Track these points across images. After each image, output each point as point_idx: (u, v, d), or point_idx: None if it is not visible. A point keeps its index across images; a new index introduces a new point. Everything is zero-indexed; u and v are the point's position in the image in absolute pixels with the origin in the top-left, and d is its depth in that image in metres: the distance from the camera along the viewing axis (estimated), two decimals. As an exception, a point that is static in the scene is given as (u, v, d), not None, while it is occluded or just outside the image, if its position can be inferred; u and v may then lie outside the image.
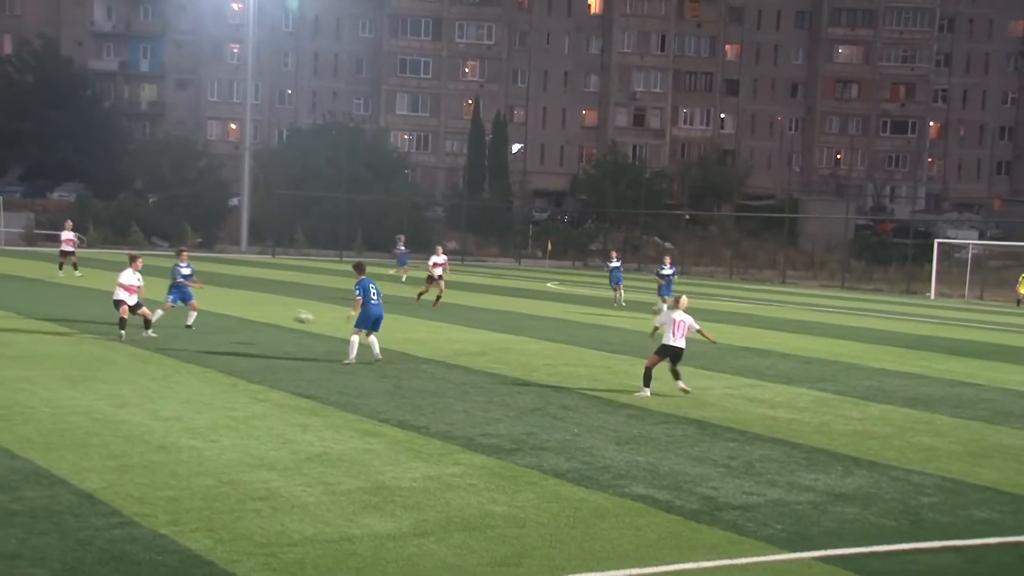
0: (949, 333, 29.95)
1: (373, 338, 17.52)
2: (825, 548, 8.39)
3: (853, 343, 25.49)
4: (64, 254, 34.14)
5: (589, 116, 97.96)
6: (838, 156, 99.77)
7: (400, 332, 22.54)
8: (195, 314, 21.15)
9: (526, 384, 16.14)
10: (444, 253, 31.45)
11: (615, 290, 32.81)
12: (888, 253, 67.02)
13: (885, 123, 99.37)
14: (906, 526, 9.19)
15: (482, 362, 18.27)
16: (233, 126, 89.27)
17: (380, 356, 17.49)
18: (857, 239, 73.03)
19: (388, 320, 24.79)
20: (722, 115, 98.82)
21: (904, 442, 12.99)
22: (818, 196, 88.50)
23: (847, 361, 21.50)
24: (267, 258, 59.53)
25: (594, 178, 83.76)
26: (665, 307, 27.92)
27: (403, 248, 43.88)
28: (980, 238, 70.07)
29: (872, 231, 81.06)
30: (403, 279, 40.12)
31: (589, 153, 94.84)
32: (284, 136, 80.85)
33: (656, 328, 15.81)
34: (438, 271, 29.98)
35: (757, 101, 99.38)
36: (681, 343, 15.30)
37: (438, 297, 29.40)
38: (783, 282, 60.08)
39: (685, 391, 15.60)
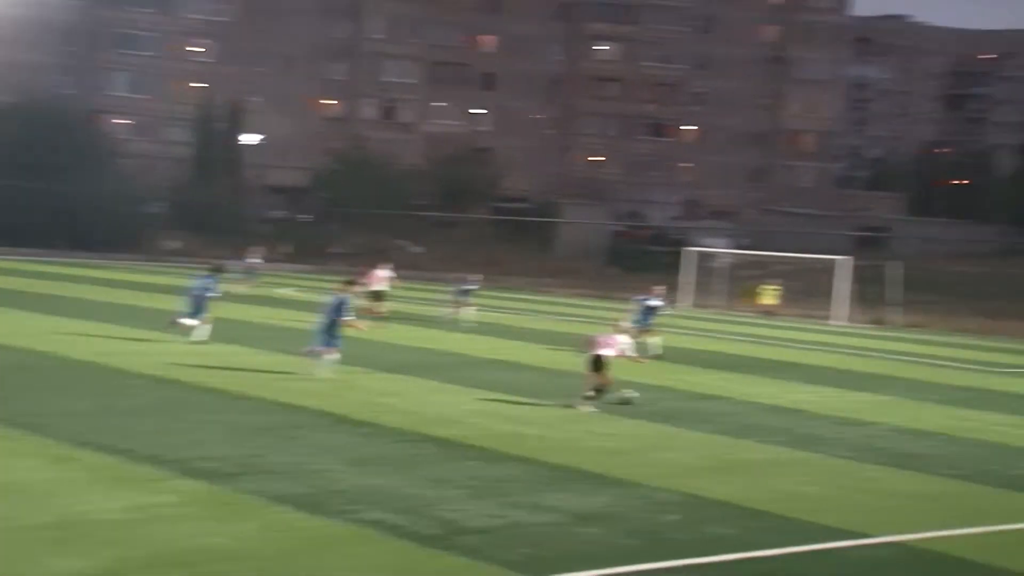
0: (699, 345, 31.77)
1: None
2: (566, 571, 8.71)
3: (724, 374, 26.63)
4: None
5: (333, 107, 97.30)
6: (596, 159, 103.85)
7: (105, 344, 21.55)
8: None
9: (252, 401, 15.83)
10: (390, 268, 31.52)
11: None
12: (643, 261, 70.40)
13: (643, 125, 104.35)
14: (649, 545, 9.69)
15: (202, 376, 17.77)
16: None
17: (321, 376, 18.18)
18: (614, 246, 76.24)
19: (91, 329, 23.62)
20: (478, 111, 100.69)
21: (651, 458, 13.70)
22: (575, 200, 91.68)
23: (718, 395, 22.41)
24: (-51, 256, 55.42)
25: (337, 175, 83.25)
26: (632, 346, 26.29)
27: (255, 261, 43.06)
28: (733, 247, 74.77)
29: (628, 238, 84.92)
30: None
31: (332, 147, 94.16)
32: (-30, 114, 75.32)
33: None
34: (382, 286, 29.91)
35: (515, 97, 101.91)
36: (604, 352, 17.25)
37: (382, 318, 29.09)
38: (538, 291, 61.84)
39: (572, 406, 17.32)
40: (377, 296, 30.44)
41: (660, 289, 27.74)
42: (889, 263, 51.46)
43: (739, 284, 56.06)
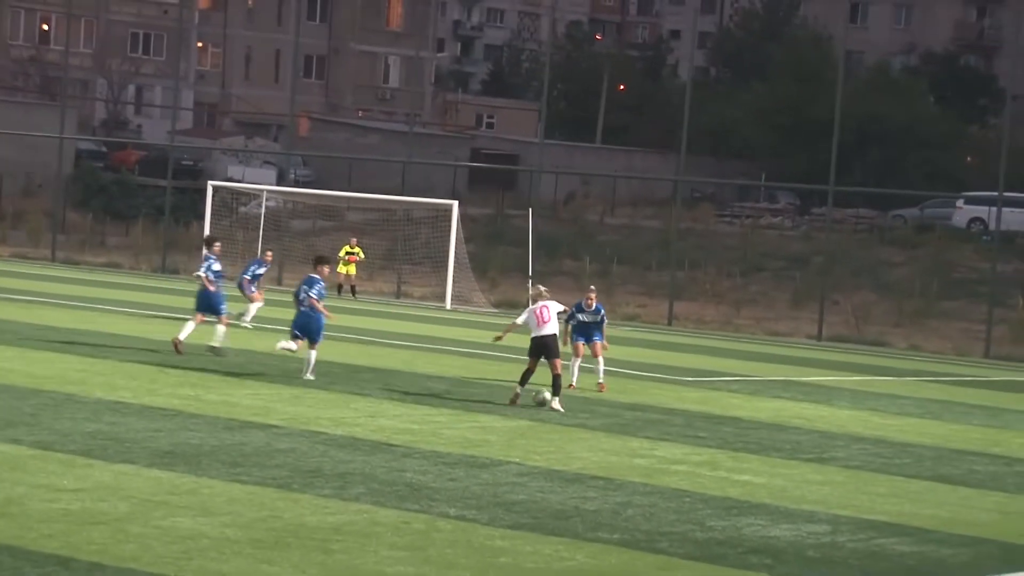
0: (235, 341, 31.82)
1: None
2: None
3: (82, 360, 26.28)
4: None
5: None
6: (44, 28, 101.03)
7: None
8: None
9: None
10: None
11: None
12: (134, 201, 69.26)
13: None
14: None
15: None
16: None
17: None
18: (80, 176, 74.46)
19: None
20: None
21: (151, 527, 13.58)
22: (12, 96, 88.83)
23: (73, 392, 22.03)
24: None
25: None
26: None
27: None
28: (280, 181, 75.28)
29: (107, 162, 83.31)
30: None
31: None
32: None
33: (507, 330, 24.77)
34: None
35: None
36: (550, 329, 23.59)
37: None
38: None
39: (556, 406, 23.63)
40: None
41: None
42: (518, 212, 53.73)
43: (292, 244, 56.51)
